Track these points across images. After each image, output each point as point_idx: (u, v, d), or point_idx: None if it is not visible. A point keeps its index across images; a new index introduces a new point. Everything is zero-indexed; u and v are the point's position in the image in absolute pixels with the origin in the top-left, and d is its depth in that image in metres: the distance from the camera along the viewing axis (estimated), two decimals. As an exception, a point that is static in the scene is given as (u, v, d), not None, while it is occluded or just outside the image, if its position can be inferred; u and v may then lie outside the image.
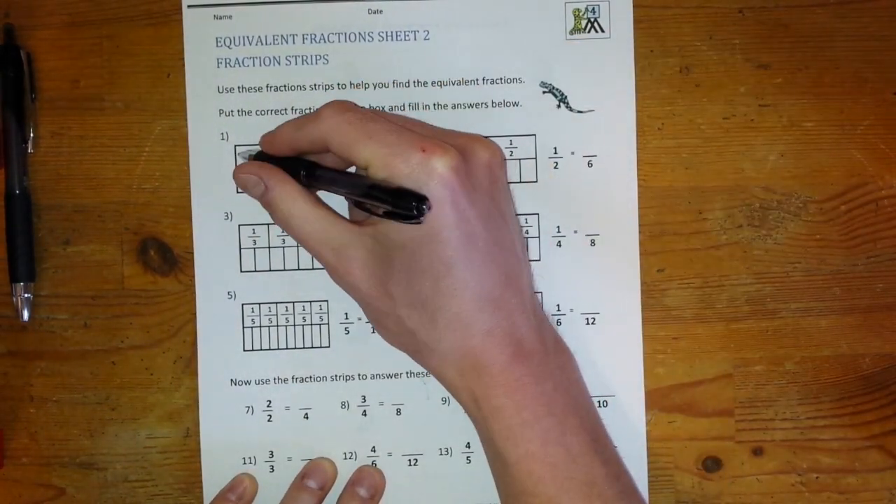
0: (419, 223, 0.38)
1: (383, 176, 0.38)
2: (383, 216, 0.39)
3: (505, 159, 0.43)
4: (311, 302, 0.46)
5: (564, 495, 0.39)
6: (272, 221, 0.45)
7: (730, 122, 0.46)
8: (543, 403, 0.39)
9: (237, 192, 0.46)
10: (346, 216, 0.43)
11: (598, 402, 0.46)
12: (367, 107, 0.46)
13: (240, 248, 0.46)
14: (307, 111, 0.46)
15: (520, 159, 0.46)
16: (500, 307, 0.39)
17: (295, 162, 0.42)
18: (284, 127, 0.42)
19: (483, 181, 0.39)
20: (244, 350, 0.46)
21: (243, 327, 0.46)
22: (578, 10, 0.46)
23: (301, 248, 0.46)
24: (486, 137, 0.43)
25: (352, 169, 0.42)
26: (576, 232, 0.46)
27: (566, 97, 0.46)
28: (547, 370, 0.40)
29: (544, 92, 0.46)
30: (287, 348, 0.46)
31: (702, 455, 0.46)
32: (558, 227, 0.46)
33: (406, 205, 0.37)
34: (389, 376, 0.46)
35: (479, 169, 0.39)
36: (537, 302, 0.43)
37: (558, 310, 0.46)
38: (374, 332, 0.46)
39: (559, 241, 0.46)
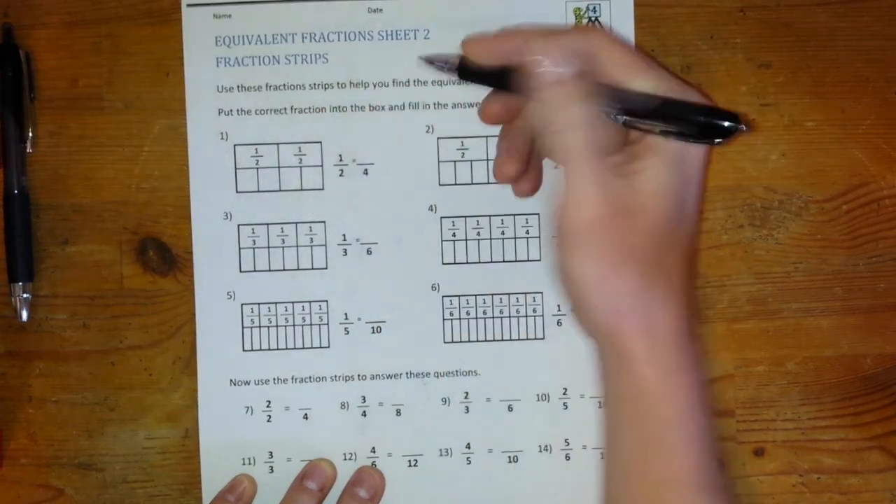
0: (721, 143, 0.37)
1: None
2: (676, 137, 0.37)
3: None
4: (310, 302, 0.46)
5: (705, 485, 0.37)
6: (271, 221, 0.46)
7: (731, 122, 0.46)
8: (704, 386, 0.38)
9: (237, 191, 0.45)
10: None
11: (600, 403, 0.46)
12: (367, 106, 0.46)
13: (239, 248, 0.46)
14: (307, 110, 0.45)
15: (520, 159, 0.46)
16: (691, 278, 0.39)
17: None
18: (528, 34, 0.38)
19: None
20: (243, 350, 0.46)
21: (242, 327, 0.46)
22: (579, 9, 0.46)
23: (300, 249, 0.46)
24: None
25: None
26: (576, 232, 0.46)
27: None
28: (699, 354, 0.39)
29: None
30: (286, 349, 0.46)
31: (703, 456, 0.46)
32: (559, 226, 0.46)
33: (723, 120, 0.36)
34: (389, 377, 0.46)
35: None
36: None
37: (559, 310, 0.46)
38: (374, 333, 0.46)
39: (560, 241, 0.46)
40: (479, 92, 0.45)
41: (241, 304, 0.46)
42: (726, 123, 0.36)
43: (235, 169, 0.46)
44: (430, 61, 0.41)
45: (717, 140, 0.37)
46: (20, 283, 0.45)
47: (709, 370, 0.41)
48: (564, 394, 0.46)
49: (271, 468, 0.46)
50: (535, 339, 0.46)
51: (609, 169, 0.37)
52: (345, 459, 0.46)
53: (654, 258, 0.37)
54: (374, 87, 0.46)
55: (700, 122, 0.37)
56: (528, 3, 0.45)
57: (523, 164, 0.43)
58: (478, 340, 0.46)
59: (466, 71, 0.40)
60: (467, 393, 0.46)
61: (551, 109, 0.37)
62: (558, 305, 0.46)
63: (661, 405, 0.38)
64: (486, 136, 0.46)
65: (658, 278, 0.37)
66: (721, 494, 0.38)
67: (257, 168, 0.46)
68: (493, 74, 0.39)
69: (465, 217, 0.46)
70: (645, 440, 0.38)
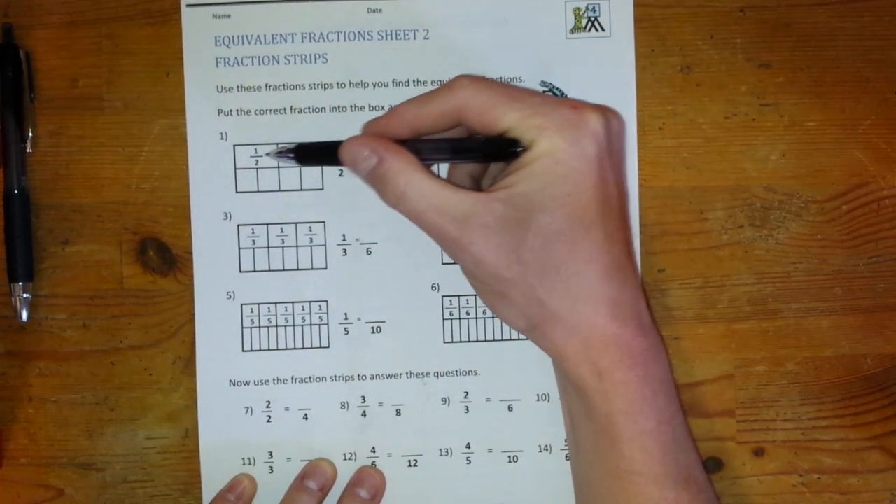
0: (516, 155, 0.38)
1: (530, 137, 0.37)
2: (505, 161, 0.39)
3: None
4: (310, 302, 0.46)
5: (668, 477, 0.38)
6: (271, 222, 0.46)
7: (731, 122, 0.46)
8: (659, 381, 0.39)
9: (236, 191, 0.45)
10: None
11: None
12: (367, 106, 0.46)
13: (239, 248, 0.46)
14: (307, 110, 0.45)
15: (520, 159, 0.46)
16: (626, 277, 0.39)
17: (412, 143, 0.40)
18: (402, 107, 0.40)
19: (617, 147, 0.39)
20: (243, 350, 0.46)
21: (242, 328, 0.46)
22: (579, 8, 0.46)
23: (300, 249, 0.46)
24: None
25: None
26: (576, 232, 0.46)
27: (566, 96, 0.46)
28: (660, 347, 0.40)
29: (544, 91, 0.46)
30: (286, 349, 0.46)
31: (703, 455, 0.46)
32: (559, 226, 0.46)
33: (506, 146, 0.38)
34: (389, 377, 0.46)
35: (614, 135, 0.39)
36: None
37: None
38: (373, 333, 0.46)
39: (559, 241, 0.46)
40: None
41: (241, 305, 0.46)
42: (509, 149, 0.38)
43: (235, 169, 0.46)
44: (270, 154, 0.43)
45: (512, 155, 0.38)
46: (20, 283, 0.45)
47: (668, 362, 0.41)
48: (564, 394, 0.46)
49: (271, 468, 0.46)
50: (535, 339, 0.46)
51: (468, 203, 0.38)
52: (345, 459, 0.46)
53: (548, 265, 0.38)
54: (374, 87, 0.46)
55: (488, 155, 0.40)
56: (528, 2, 0.45)
57: None
58: (478, 340, 0.46)
59: (302, 156, 0.42)
60: (467, 393, 0.46)
61: (387, 183, 0.39)
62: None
63: (601, 402, 0.38)
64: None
65: (559, 284, 0.38)
66: (691, 487, 0.39)
67: (257, 168, 0.46)
68: (327, 154, 0.41)
69: (465, 217, 0.46)
70: (596, 432, 0.39)
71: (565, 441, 0.46)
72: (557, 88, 0.45)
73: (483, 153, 0.40)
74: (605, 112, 0.39)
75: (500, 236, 0.38)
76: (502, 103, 0.38)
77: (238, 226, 0.46)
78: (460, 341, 0.46)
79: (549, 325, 0.39)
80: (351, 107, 0.46)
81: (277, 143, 0.44)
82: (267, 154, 0.44)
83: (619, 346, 0.38)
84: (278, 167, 0.45)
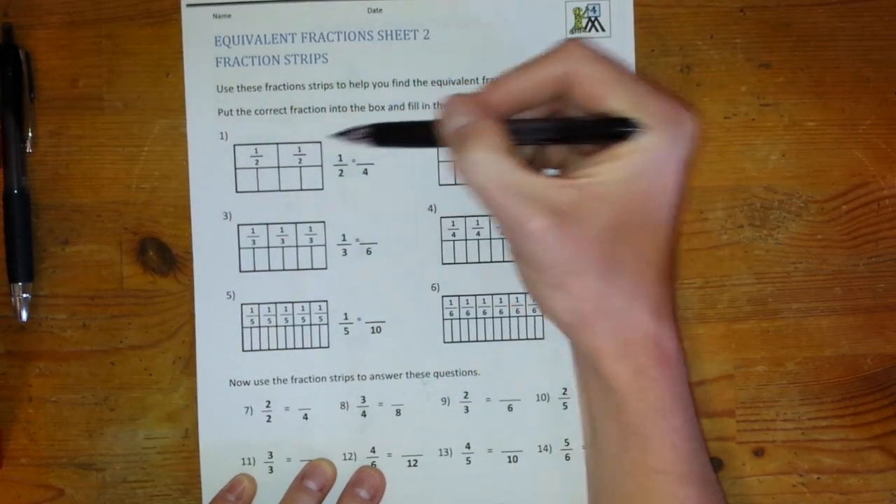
0: (630, 137, 0.37)
1: (637, 116, 0.37)
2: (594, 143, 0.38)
3: None
4: (310, 302, 0.46)
5: (691, 475, 0.38)
6: (271, 221, 0.45)
7: (731, 122, 0.46)
8: (686, 380, 0.39)
9: (236, 191, 0.45)
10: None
11: (599, 402, 0.46)
12: (367, 106, 0.46)
13: (239, 248, 0.46)
14: (307, 110, 0.45)
15: (520, 159, 0.46)
16: (672, 279, 0.39)
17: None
18: (503, 77, 0.38)
19: (695, 151, 0.39)
20: (243, 350, 0.46)
21: (242, 327, 0.46)
22: (579, 9, 0.46)
23: (300, 249, 0.46)
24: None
25: None
26: (576, 232, 0.46)
27: (567, 96, 0.46)
28: (683, 350, 0.40)
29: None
30: (286, 349, 0.46)
31: (703, 456, 0.46)
32: (559, 226, 0.46)
33: (618, 127, 0.37)
34: (389, 377, 0.46)
35: (698, 139, 0.39)
36: None
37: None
38: (373, 333, 0.46)
39: (559, 241, 0.46)
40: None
41: (241, 304, 0.46)
42: (622, 129, 0.37)
43: (235, 169, 0.46)
44: (343, 135, 0.41)
45: (620, 136, 0.37)
46: (20, 283, 0.45)
47: (688, 364, 0.41)
48: (564, 394, 0.46)
49: (271, 468, 0.46)
50: (535, 339, 0.46)
51: (540, 184, 0.37)
52: (345, 459, 0.46)
53: (612, 260, 0.37)
54: (374, 86, 0.46)
55: (598, 134, 0.37)
56: (527, 2, 0.45)
57: None
58: (477, 340, 0.46)
59: (381, 137, 0.40)
60: (467, 393, 0.46)
61: (458, 159, 0.37)
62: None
63: (634, 400, 0.38)
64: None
65: (619, 279, 0.37)
66: (708, 485, 0.39)
67: (257, 168, 0.46)
68: (408, 134, 0.40)
69: (465, 217, 0.46)
70: (625, 432, 0.39)
71: (565, 441, 0.46)
72: None
73: (592, 134, 0.38)
74: (695, 113, 0.39)
75: (571, 225, 0.37)
76: (617, 80, 0.37)
77: (238, 226, 0.46)
78: (460, 341, 0.46)
79: (598, 321, 0.38)
80: (351, 107, 0.46)
81: (350, 128, 0.40)
82: (337, 136, 0.41)
83: (657, 344, 0.38)
84: (278, 167, 0.45)
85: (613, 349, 0.38)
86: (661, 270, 0.38)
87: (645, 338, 0.38)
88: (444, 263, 0.46)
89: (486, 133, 0.37)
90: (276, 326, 0.46)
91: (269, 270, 0.46)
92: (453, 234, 0.46)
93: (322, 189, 0.46)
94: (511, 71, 0.39)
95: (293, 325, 0.46)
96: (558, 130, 0.39)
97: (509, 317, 0.46)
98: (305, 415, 0.46)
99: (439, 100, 0.38)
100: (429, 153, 0.46)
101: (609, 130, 0.37)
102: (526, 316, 0.46)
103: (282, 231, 0.46)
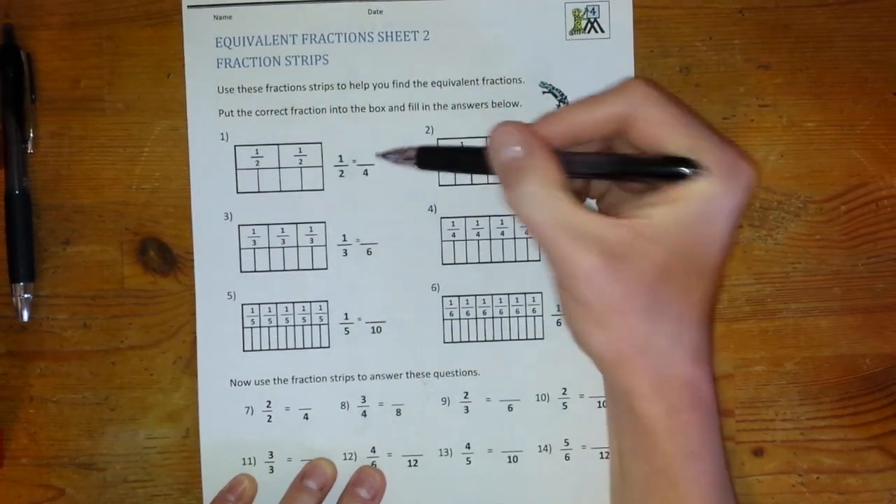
0: (689, 179, 0.36)
1: (696, 160, 0.36)
2: (650, 181, 0.37)
3: None
4: (310, 302, 0.46)
5: None
6: (271, 222, 0.46)
7: (730, 123, 0.46)
8: (718, 426, 0.39)
9: (237, 192, 0.46)
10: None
11: (599, 402, 0.46)
12: (367, 107, 0.46)
13: (239, 249, 0.46)
14: (307, 111, 0.46)
15: (520, 159, 0.46)
16: (711, 324, 0.38)
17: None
18: (564, 109, 0.38)
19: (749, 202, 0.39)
20: (244, 350, 0.46)
21: (243, 327, 0.46)
22: (578, 10, 0.46)
23: (301, 249, 0.46)
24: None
25: None
26: (576, 232, 0.46)
27: (566, 97, 0.46)
28: (717, 395, 0.39)
29: (544, 92, 0.46)
30: (287, 349, 0.46)
31: (702, 455, 0.46)
32: (558, 227, 0.46)
33: (677, 166, 0.36)
34: (389, 377, 0.46)
35: (753, 190, 0.38)
36: None
37: (559, 310, 0.46)
38: (374, 333, 0.46)
39: (559, 242, 0.46)
40: (480, 94, 0.46)
41: (242, 305, 0.46)
42: (683, 169, 0.36)
43: (236, 169, 0.46)
44: (387, 155, 0.41)
45: (680, 176, 0.36)
46: (21, 284, 0.45)
47: (720, 410, 0.41)
48: (564, 394, 0.46)
49: (271, 468, 0.46)
50: (535, 339, 0.46)
51: (591, 222, 0.36)
52: (345, 459, 0.46)
53: (657, 301, 0.37)
54: (375, 88, 0.46)
55: (657, 175, 0.37)
56: (527, 3, 0.46)
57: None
58: (477, 340, 0.46)
59: (425, 161, 0.40)
60: (467, 393, 0.46)
61: (509, 191, 0.37)
62: (558, 305, 0.46)
63: (667, 442, 0.38)
64: (486, 137, 0.45)
65: (663, 321, 0.37)
66: None
67: (258, 169, 0.46)
68: (453, 159, 0.40)
69: (465, 217, 0.46)
70: (653, 473, 0.38)
71: (565, 441, 0.46)
72: (557, 89, 0.46)
73: (650, 173, 0.37)
74: (753, 165, 0.38)
75: (621, 265, 0.36)
76: (678, 123, 0.36)
77: (239, 226, 0.46)
78: (460, 341, 0.46)
79: (639, 361, 0.37)
80: (351, 108, 0.46)
81: (393, 150, 0.41)
82: (381, 155, 0.41)
83: (693, 387, 0.38)
84: (279, 168, 0.46)
85: (649, 389, 0.38)
86: (703, 315, 0.38)
87: (682, 380, 0.38)
88: (444, 264, 0.46)
89: (542, 166, 0.36)
90: (277, 326, 0.46)
91: (270, 271, 0.46)
92: (453, 235, 0.46)
93: (322, 189, 0.46)
94: (571, 105, 0.38)
95: (294, 326, 0.46)
96: (614, 165, 0.38)
97: (509, 317, 0.46)
98: (306, 415, 0.46)
99: (489, 127, 0.38)
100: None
101: (668, 171, 0.37)
102: (526, 316, 0.46)
103: (282, 231, 0.46)
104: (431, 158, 0.41)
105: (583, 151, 0.38)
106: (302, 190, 0.46)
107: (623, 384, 0.38)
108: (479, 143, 0.39)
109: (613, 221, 0.37)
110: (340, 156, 0.46)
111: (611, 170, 0.38)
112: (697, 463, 0.38)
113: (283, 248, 0.46)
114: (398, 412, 0.46)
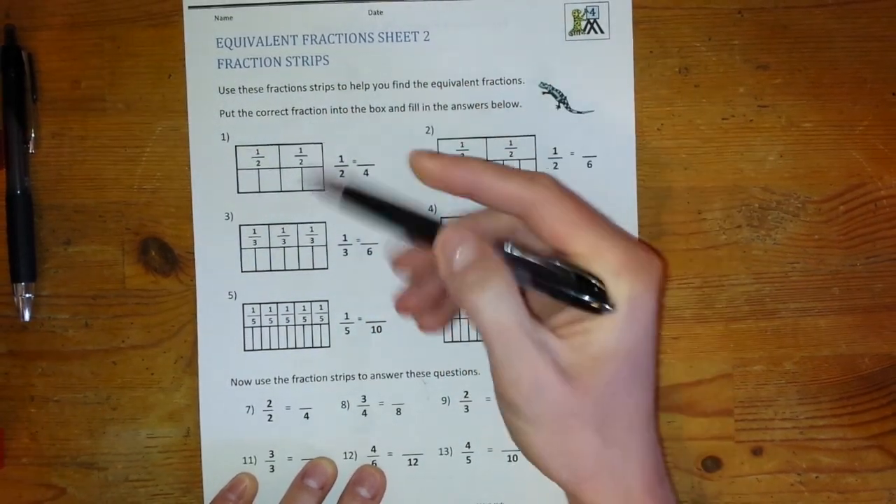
0: (600, 313, 0.35)
1: (596, 269, 0.35)
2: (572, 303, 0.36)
3: None
4: (311, 302, 0.46)
5: None
6: (272, 222, 0.46)
7: (729, 123, 0.46)
8: None
9: (238, 192, 0.46)
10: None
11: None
12: (368, 107, 0.46)
13: (240, 249, 0.46)
14: (308, 112, 0.46)
15: (519, 160, 0.46)
16: (653, 429, 0.38)
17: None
18: (478, 165, 0.37)
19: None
20: (245, 350, 0.46)
21: (244, 327, 0.46)
22: (578, 11, 0.46)
23: (301, 249, 0.46)
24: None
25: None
26: (575, 232, 0.46)
27: (566, 98, 0.46)
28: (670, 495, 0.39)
29: (544, 93, 0.46)
30: (287, 348, 0.46)
31: (701, 455, 0.46)
32: (558, 227, 0.46)
33: (590, 301, 0.35)
34: (389, 376, 0.46)
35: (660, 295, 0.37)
36: None
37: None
38: (374, 333, 0.46)
39: (559, 242, 0.46)
40: (480, 94, 0.46)
41: (243, 304, 0.46)
42: (590, 300, 0.35)
43: (237, 170, 0.46)
44: (316, 182, 0.41)
45: (594, 310, 0.35)
46: (23, 283, 0.45)
47: None
48: (564, 393, 0.46)
49: (272, 467, 0.46)
50: (535, 338, 0.46)
51: (544, 334, 0.36)
52: (345, 458, 0.46)
53: (610, 417, 0.36)
54: (375, 88, 0.46)
55: (570, 296, 0.36)
56: (526, 4, 0.46)
57: (437, 310, 0.42)
58: (477, 340, 0.46)
59: (351, 198, 0.38)
60: (467, 392, 0.46)
61: (467, 286, 0.35)
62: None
63: None
64: (486, 137, 0.46)
65: (617, 436, 0.36)
66: None
67: (258, 169, 0.46)
68: (379, 209, 0.38)
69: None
70: None
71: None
72: (557, 90, 0.46)
73: (568, 298, 0.36)
74: (656, 256, 0.37)
75: (570, 384, 0.35)
76: (580, 222, 0.36)
77: (240, 226, 0.46)
78: (460, 341, 0.46)
79: (598, 479, 0.37)
80: (352, 108, 0.46)
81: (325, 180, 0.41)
82: (313, 185, 0.42)
83: (654, 498, 0.37)
84: (279, 168, 0.46)
85: (592, 497, 0.37)
86: (650, 417, 0.37)
87: (643, 493, 0.37)
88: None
89: (504, 269, 0.36)
90: (278, 326, 0.46)
91: (271, 270, 0.46)
92: (453, 235, 0.46)
93: (323, 189, 0.46)
94: (486, 166, 0.37)
95: (294, 325, 0.46)
96: (536, 280, 0.36)
97: (509, 316, 0.46)
98: (306, 414, 0.46)
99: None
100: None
101: (582, 302, 0.36)
102: (525, 316, 0.46)
103: (283, 231, 0.46)
104: (355, 201, 0.38)
105: (520, 256, 0.38)
106: (302, 190, 0.46)
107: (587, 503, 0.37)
108: (410, 196, 0.38)
109: (555, 340, 0.36)
110: (341, 156, 0.46)
111: (532, 284, 0.37)
112: None
113: (284, 247, 0.46)
114: (398, 411, 0.46)
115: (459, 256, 0.36)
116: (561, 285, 0.36)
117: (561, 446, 0.36)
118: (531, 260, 0.37)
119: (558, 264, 0.36)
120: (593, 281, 0.35)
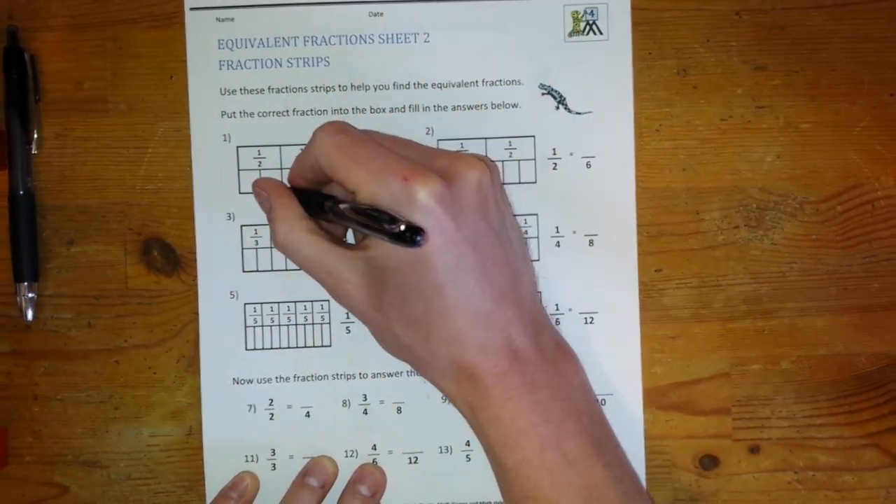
0: (417, 248, 0.37)
1: (369, 203, 0.38)
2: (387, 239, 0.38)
3: (497, 174, 0.42)
4: (312, 301, 0.46)
5: (563, 499, 0.39)
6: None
7: (727, 124, 0.46)
8: (539, 411, 0.39)
9: (239, 192, 0.46)
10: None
11: (605, 400, 0.46)
12: (368, 109, 0.46)
13: (242, 249, 0.46)
14: (308, 112, 0.46)
15: (519, 160, 0.46)
16: (493, 322, 0.39)
17: (316, 195, 0.42)
18: (295, 159, 0.43)
19: (471, 202, 0.39)
20: (246, 349, 0.46)
21: (245, 327, 0.46)
22: (577, 12, 0.46)
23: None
24: (477, 154, 0.44)
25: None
26: (574, 232, 0.46)
27: (565, 99, 0.46)
28: (544, 378, 0.40)
29: (543, 93, 0.46)
30: (289, 347, 0.46)
31: (699, 453, 0.47)
32: (557, 227, 0.46)
33: (404, 235, 0.37)
34: (390, 375, 0.46)
35: (466, 191, 0.39)
36: (539, 310, 0.42)
37: (557, 309, 0.46)
38: (374, 332, 0.46)
39: (558, 242, 0.46)
40: (480, 95, 0.46)
41: (244, 304, 0.46)
42: (402, 231, 0.37)
43: (238, 170, 0.46)
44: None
45: (413, 246, 0.37)
46: (26, 283, 0.45)
47: (574, 377, 0.42)
48: (563, 392, 0.46)
49: (274, 465, 0.46)
50: (534, 338, 0.46)
51: (340, 255, 0.40)
52: (346, 456, 0.46)
53: (416, 318, 0.39)
54: (375, 89, 0.46)
55: (383, 230, 0.38)
56: (526, 6, 0.46)
57: None
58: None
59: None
60: (467, 391, 0.46)
61: (274, 231, 0.41)
62: (556, 304, 0.46)
63: (480, 434, 0.41)
64: (486, 138, 0.46)
65: (427, 334, 0.39)
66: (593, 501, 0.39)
67: (260, 169, 0.46)
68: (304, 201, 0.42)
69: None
70: (490, 460, 0.41)
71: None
72: (556, 91, 0.46)
73: (382, 231, 0.38)
74: (455, 168, 0.39)
75: (366, 289, 0.40)
76: (346, 166, 0.39)
77: (241, 226, 0.46)
78: (460, 340, 0.46)
79: (421, 367, 0.41)
80: (352, 109, 0.46)
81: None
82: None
83: (486, 385, 0.39)
84: (281, 168, 0.46)
85: (448, 391, 0.41)
86: (469, 317, 0.39)
87: (472, 379, 0.39)
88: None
89: (284, 213, 0.41)
90: (279, 325, 0.46)
91: (272, 270, 0.46)
92: (453, 235, 0.46)
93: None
94: (299, 155, 0.42)
95: (295, 325, 0.46)
96: (351, 218, 0.39)
97: (508, 316, 0.46)
98: (307, 412, 0.46)
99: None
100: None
101: (399, 235, 0.37)
102: (525, 315, 0.46)
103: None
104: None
105: (323, 191, 0.42)
106: (303, 190, 0.46)
107: (433, 385, 0.42)
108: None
109: (350, 255, 0.40)
110: (341, 157, 0.46)
111: (349, 221, 0.40)
112: (515, 452, 0.40)
113: (285, 248, 0.46)
114: (399, 410, 0.46)
115: (261, 205, 0.43)
116: (366, 226, 0.38)
117: (386, 343, 0.42)
118: (344, 206, 0.40)
119: (362, 207, 0.39)
120: (382, 216, 0.38)
